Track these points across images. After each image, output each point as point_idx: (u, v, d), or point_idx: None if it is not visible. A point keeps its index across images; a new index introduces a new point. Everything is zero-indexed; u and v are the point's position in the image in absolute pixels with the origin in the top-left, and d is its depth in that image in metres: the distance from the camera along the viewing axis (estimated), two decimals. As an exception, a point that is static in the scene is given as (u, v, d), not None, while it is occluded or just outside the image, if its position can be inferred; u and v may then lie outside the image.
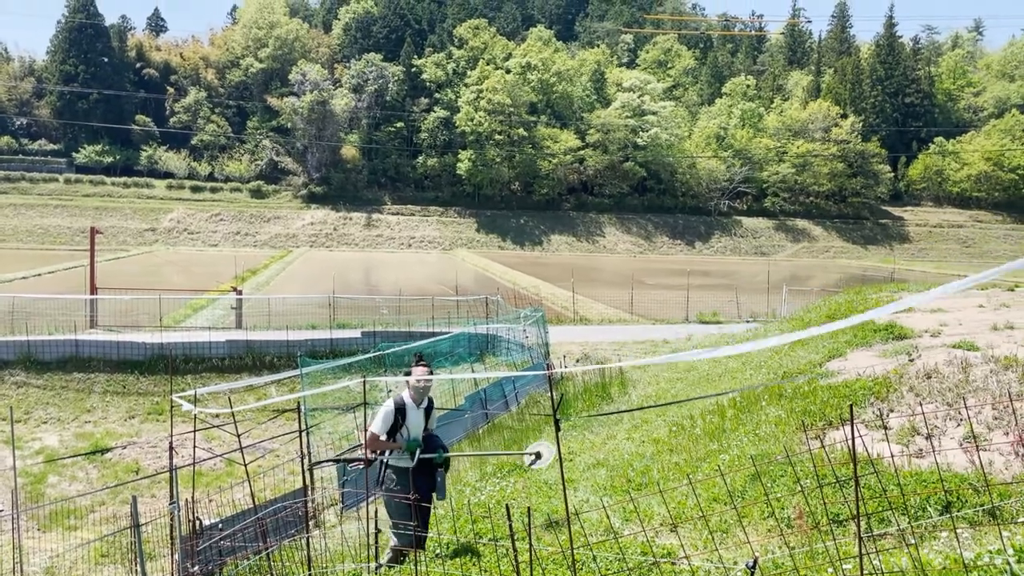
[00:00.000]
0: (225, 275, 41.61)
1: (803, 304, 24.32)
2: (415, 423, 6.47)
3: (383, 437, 6.37)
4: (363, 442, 6.67)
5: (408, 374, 6.63)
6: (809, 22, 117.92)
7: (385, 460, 6.43)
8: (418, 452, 6.38)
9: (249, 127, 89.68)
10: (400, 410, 6.42)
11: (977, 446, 5.97)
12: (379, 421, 6.42)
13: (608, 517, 6.51)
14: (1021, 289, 19.44)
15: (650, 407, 12.26)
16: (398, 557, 6.37)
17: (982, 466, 5.37)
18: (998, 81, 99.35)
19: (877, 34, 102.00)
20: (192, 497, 7.90)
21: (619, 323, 29.31)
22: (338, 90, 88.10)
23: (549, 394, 14.38)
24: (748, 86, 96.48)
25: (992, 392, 7.93)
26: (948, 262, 75.55)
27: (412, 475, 6.22)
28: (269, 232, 78.59)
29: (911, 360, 10.20)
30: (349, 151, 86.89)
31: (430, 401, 6.69)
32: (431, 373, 6.75)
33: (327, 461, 8.08)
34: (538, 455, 6.56)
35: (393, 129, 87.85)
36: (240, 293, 28.83)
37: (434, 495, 6.49)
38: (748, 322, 27.38)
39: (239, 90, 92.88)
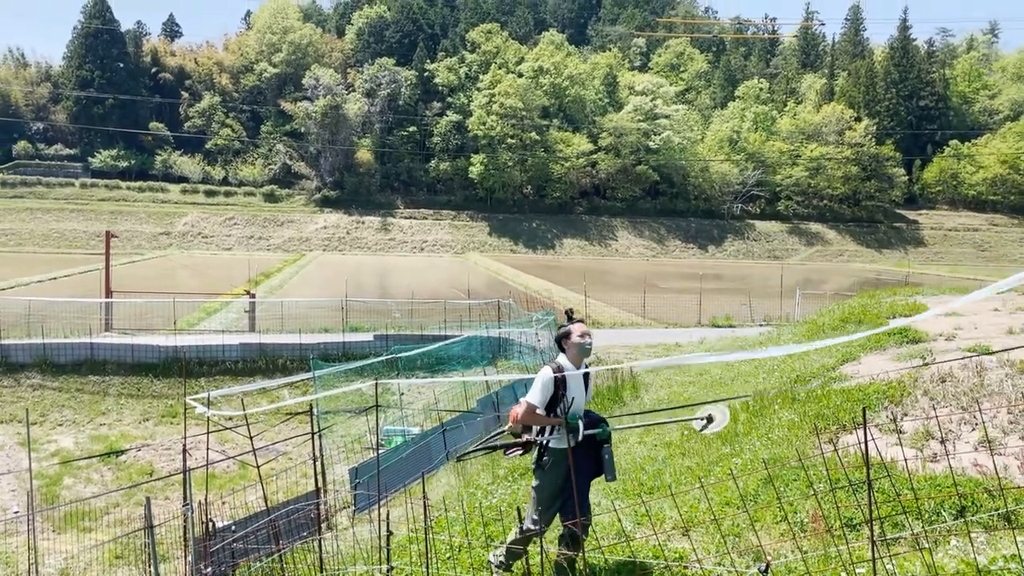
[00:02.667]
0: (239, 279, 41.83)
1: (817, 308, 24.20)
2: (577, 392, 5.48)
3: (540, 411, 5.39)
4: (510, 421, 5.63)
5: (565, 334, 5.54)
6: (823, 25, 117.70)
7: (545, 441, 5.44)
8: (581, 428, 5.42)
9: (263, 132, 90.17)
10: (560, 377, 5.42)
11: (991, 450, 5.93)
12: (537, 391, 5.42)
13: (620, 520, 6.50)
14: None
15: (663, 409, 12.22)
16: (519, 546, 5.50)
17: (996, 470, 5.33)
18: (1014, 84, 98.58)
19: (891, 37, 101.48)
20: (205, 499, 7.95)
21: (631, 326, 29.26)
22: (351, 95, 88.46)
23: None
24: (761, 89, 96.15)
25: (1007, 396, 7.87)
26: (963, 265, 74.95)
27: (573, 455, 5.29)
28: (282, 236, 78.94)
29: (925, 364, 10.13)
30: (362, 155, 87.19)
31: (586, 366, 5.70)
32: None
33: (478, 450, 6.44)
34: (710, 418, 5.76)
35: (406, 133, 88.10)
36: (253, 296, 28.98)
37: (603, 477, 5.54)
38: (761, 326, 27.27)
39: (253, 95, 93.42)
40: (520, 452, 5.57)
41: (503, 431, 5.64)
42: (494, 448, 6.09)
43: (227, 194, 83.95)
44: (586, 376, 5.61)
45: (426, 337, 21.90)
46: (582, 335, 5.47)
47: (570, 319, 5.57)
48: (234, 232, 78.75)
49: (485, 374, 17.63)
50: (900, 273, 60.82)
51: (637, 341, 24.66)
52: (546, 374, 5.39)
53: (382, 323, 25.80)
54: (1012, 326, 12.62)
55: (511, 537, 5.56)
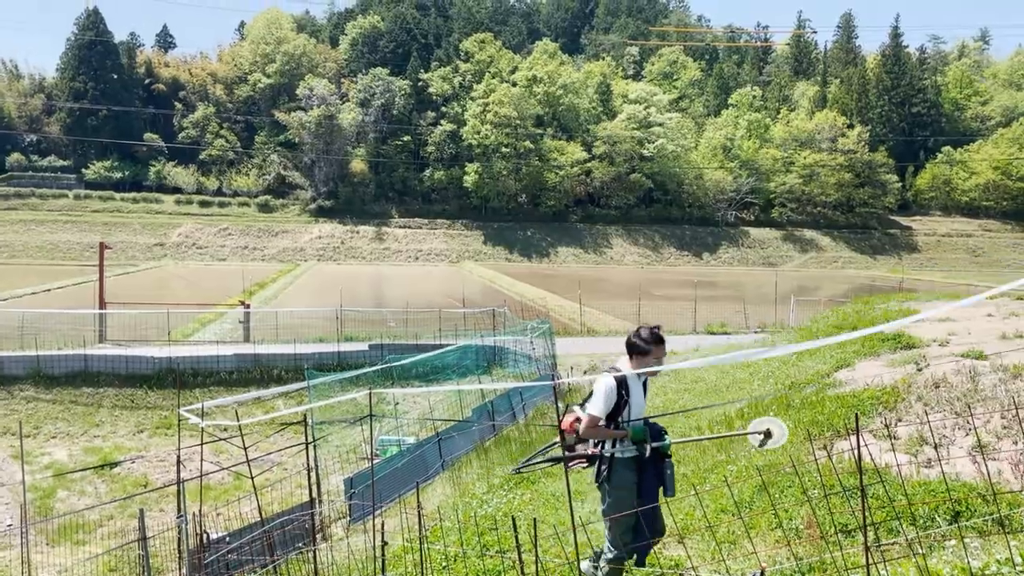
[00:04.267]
0: (233, 289, 41.77)
1: (811, 315, 24.25)
2: (637, 402, 5.16)
3: (602, 422, 5.05)
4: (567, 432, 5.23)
5: (645, 351, 5.16)
6: (815, 33, 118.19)
7: (609, 453, 5.08)
8: (648, 440, 5.05)
9: (257, 142, 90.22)
10: (622, 384, 5.10)
11: (984, 456, 5.95)
12: (600, 400, 5.05)
13: (615, 528, 6.48)
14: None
15: (658, 415, 12.22)
16: (617, 571, 5.14)
17: (989, 475, 5.35)
18: (1005, 90, 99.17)
19: (883, 44, 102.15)
20: (200, 510, 7.92)
21: (626, 334, 29.24)
22: (345, 104, 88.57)
23: (555, 406, 14.35)
24: (754, 97, 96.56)
25: (1001, 401, 7.89)
26: (957, 271, 75.21)
27: (638, 468, 5.02)
28: (277, 246, 78.87)
29: (919, 370, 10.16)
30: (356, 165, 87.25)
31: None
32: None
33: (538, 461, 5.89)
34: (768, 434, 5.27)
35: (400, 143, 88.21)
36: (248, 307, 28.94)
37: (661, 491, 5.16)
38: (756, 332, 27.30)
39: (247, 105, 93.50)
40: (584, 465, 5.20)
41: (555, 443, 5.34)
42: (556, 460, 5.54)
43: (221, 205, 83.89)
44: (644, 382, 5.34)
45: (421, 346, 21.88)
46: (659, 359, 5.22)
47: (659, 340, 5.25)
48: (228, 243, 78.67)
49: (480, 383, 17.62)
50: (894, 279, 61.00)
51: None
52: (608, 382, 5.09)
53: (377, 332, 25.78)
54: (1005, 331, 12.67)
55: (602, 572, 5.18)
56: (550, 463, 5.51)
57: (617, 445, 5.06)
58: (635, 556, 5.08)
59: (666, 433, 5.21)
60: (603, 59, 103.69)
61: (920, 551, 5.02)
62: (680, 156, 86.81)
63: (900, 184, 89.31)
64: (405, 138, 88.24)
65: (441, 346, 20.74)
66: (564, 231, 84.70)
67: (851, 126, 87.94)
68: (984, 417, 7.60)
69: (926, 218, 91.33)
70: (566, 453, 5.21)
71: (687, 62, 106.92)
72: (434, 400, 18.45)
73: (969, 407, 7.87)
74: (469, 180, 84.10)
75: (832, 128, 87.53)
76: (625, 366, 5.18)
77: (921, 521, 5.78)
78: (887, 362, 11.27)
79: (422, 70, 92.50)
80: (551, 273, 67.08)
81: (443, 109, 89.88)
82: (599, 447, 5.10)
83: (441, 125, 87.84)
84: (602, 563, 5.17)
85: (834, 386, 10.57)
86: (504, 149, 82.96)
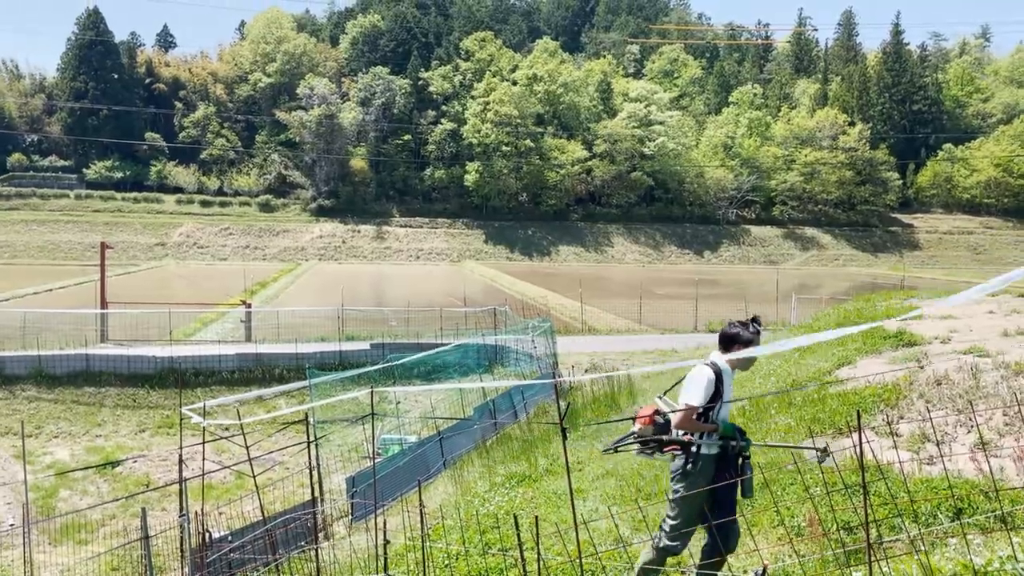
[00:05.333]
0: (235, 289, 41.80)
1: (812, 312, 24.24)
2: (728, 397, 5.03)
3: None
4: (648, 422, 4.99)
5: (747, 340, 5.04)
6: (815, 30, 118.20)
7: (696, 446, 4.91)
8: (737, 437, 4.95)
9: (258, 141, 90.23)
10: (719, 378, 4.94)
11: (986, 453, 5.94)
12: (701, 391, 4.87)
13: (617, 526, 6.50)
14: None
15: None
16: (655, 566, 5.09)
17: (992, 472, 5.35)
18: (1006, 87, 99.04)
19: (884, 41, 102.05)
20: (202, 509, 7.93)
21: (628, 333, 29.28)
22: (346, 104, 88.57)
23: (557, 404, 14.36)
24: (755, 95, 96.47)
25: (1003, 398, 7.88)
26: (958, 269, 75.14)
27: (717, 466, 4.93)
28: (278, 245, 78.90)
29: (921, 367, 10.15)
30: (357, 164, 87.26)
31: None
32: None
33: (630, 443, 5.31)
34: (825, 450, 5.18)
35: (401, 142, 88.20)
36: (250, 306, 28.95)
37: (738, 491, 5.03)
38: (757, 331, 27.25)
39: (247, 105, 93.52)
40: (678, 451, 4.95)
41: (633, 433, 5.11)
42: (652, 442, 5.12)
43: (222, 204, 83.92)
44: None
45: (423, 345, 21.88)
46: (753, 324, 5.12)
47: (756, 330, 5.14)
48: (229, 242, 78.71)
49: (482, 382, 17.64)
50: (896, 277, 60.95)
51: (634, 347, 24.65)
52: (706, 372, 4.93)
53: (378, 332, 25.78)
54: (1007, 328, 12.65)
55: (645, 558, 5.11)
56: (643, 448, 5.20)
57: (704, 439, 4.91)
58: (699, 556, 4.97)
59: (743, 433, 5.10)
60: (604, 57, 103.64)
61: (922, 548, 5.02)
62: (681, 154, 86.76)
63: (901, 182, 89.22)
64: (406, 137, 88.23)
65: (443, 345, 20.76)
66: (565, 230, 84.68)
67: (852, 124, 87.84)
68: (986, 414, 7.59)
69: (927, 216, 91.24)
70: (643, 447, 5.01)
71: (688, 60, 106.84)
72: (436, 399, 18.47)
73: (971, 404, 7.87)
74: (470, 179, 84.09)
75: (833, 126, 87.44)
76: (721, 360, 5.01)
77: (923, 518, 5.78)
78: (889, 360, 11.26)
79: (422, 69, 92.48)
80: (552, 272, 67.07)
81: (444, 108, 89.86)
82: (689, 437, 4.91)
83: (442, 124, 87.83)
84: (650, 549, 5.08)
85: (836, 383, 10.56)
86: (505, 148, 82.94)
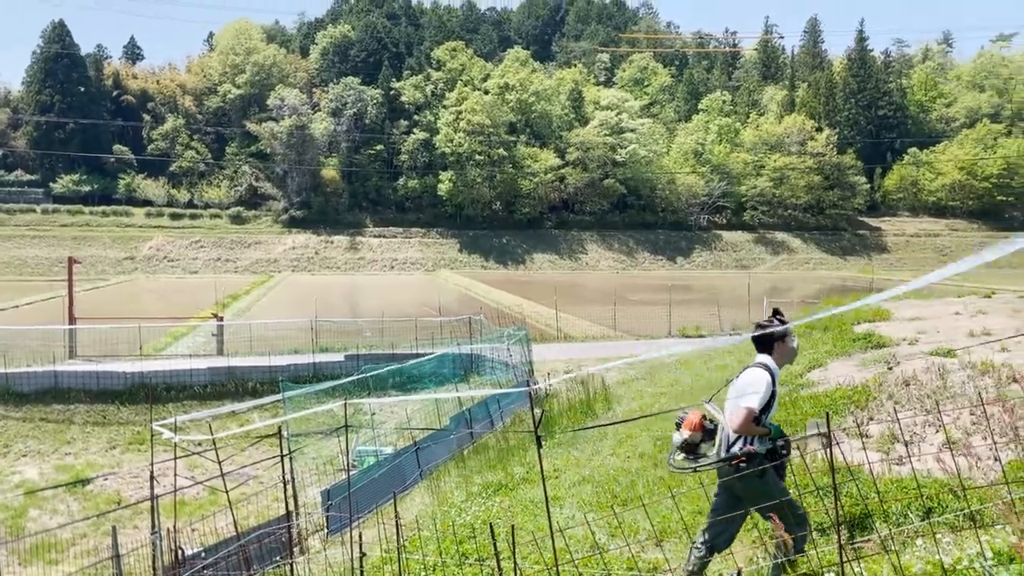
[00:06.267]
0: (206, 302, 41.36)
1: (785, 315, 24.46)
2: (776, 398, 4.98)
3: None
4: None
5: (782, 336, 5.02)
6: (782, 38, 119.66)
7: (757, 450, 4.84)
8: (786, 438, 4.96)
9: (228, 153, 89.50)
10: (774, 379, 4.91)
11: (952, 452, 6.04)
12: (760, 394, 4.82)
13: (593, 533, 6.51)
14: (997, 296, 19.70)
15: (635, 418, 12.28)
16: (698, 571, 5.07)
17: (959, 471, 5.44)
18: (969, 92, 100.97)
19: (848, 48, 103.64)
20: (174, 526, 7.82)
21: (603, 339, 29.38)
22: (317, 114, 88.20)
23: (531, 412, 14.36)
24: (724, 102, 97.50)
25: (969, 398, 8.02)
26: (926, 271, 76.15)
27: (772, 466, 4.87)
28: (250, 258, 78.23)
29: (890, 368, 10.30)
30: (329, 175, 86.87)
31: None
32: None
33: (713, 463, 5.04)
34: (828, 434, 5.28)
35: (373, 152, 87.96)
36: (221, 320, 28.67)
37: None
38: (730, 335, 27.50)
39: (217, 116, 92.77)
40: (744, 463, 4.85)
41: (692, 443, 5.02)
42: (726, 460, 4.98)
43: (192, 217, 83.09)
44: None
45: (397, 356, 21.80)
46: (793, 345, 5.09)
47: (781, 320, 5.11)
48: (200, 255, 77.90)
49: (457, 391, 17.61)
50: (864, 279, 61.78)
51: (608, 354, 24.74)
52: (763, 375, 4.89)
53: (353, 343, 25.64)
54: (973, 329, 12.88)
55: (694, 563, 5.07)
56: (730, 461, 5.04)
57: (757, 442, 4.86)
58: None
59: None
60: (574, 66, 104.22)
61: (893, 548, 5.09)
62: (652, 161, 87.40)
63: (868, 185, 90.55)
64: (378, 147, 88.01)
65: (418, 355, 20.68)
66: (539, 238, 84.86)
67: (819, 129, 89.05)
68: (953, 414, 7.71)
69: (894, 219, 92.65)
70: (688, 454, 5.02)
71: (657, 68, 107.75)
72: (411, 409, 18.39)
73: (938, 404, 8.00)
74: (443, 188, 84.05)
75: (801, 131, 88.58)
76: (772, 364, 4.98)
77: (894, 518, 5.85)
78: (859, 362, 11.41)
79: (394, 79, 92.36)
80: (527, 280, 67.15)
81: (416, 117, 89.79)
82: (744, 444, 4.84)
83: (414, 134, 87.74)
84: (696, 558, 5.06)
85: (807, 386, 10.68)
86: (478, 157, 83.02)
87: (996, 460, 6.64)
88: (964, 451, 7.16)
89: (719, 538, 5.05)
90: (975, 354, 10.06)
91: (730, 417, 4.86)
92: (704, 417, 5.03)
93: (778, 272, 79.50)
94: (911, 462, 6.48)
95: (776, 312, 5.24)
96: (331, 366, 22.25)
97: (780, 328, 5.01)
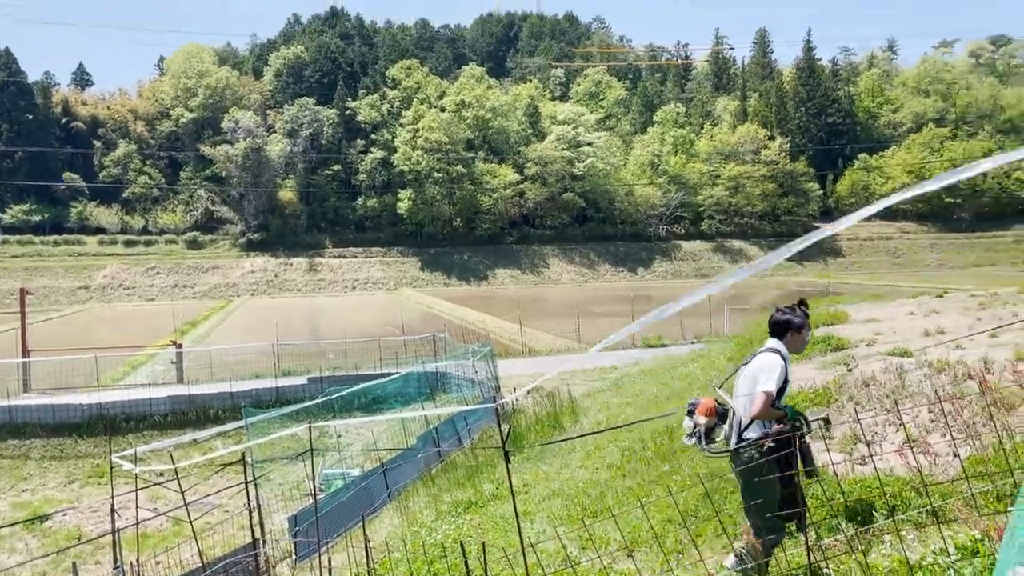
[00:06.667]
0: (164, 329, 40.63)
1: (745, 322, 24.81)
2: (791, 382, 5.17)
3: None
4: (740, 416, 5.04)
5: (799, 326, 5.15)
6: (732, 49, 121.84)
7: (770, 433, 4.92)
8: (800, 419, 5.08)
9: (182, 177, 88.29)
10: (786, 363, 5.02)
11: (912, 449, 6.15)
12: (775, 377, 4.89)
13: (564, 547, 6.50)
14: (950, 295, 20.16)
15: (601, 431, 12.31)
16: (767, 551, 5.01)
17: (920, 469, 5.54)
18: (914, 97, 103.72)
19: (797, 58, 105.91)
20: (137, 560, 7.63)
21: (567, 352, 29.45)
22: (272, 136, 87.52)
23: (499, 428, 14.32)
24: (678, 113, 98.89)
25: (927, 396, 8.18)
26: (880, 273, 77.94)
27: (783, 448, 4.94)
28: (208, 283, 77.09)
29: (849, 370, 10.47)
30: (287, 196, 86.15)
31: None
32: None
33: (723, 451, 5.20)
34: (827, 419, 5.68)
35: (331, 172, 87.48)
36: (180, 347, 28.17)
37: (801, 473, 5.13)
38: (693, 343, 27.77)
39: (170, 141, 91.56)
40: (772, 444, 4.92)
41: (699, 426, 5.10)
42: (739, 449, 5.05)
43: (148, 243, 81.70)
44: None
45: (362, 376, 21.59)
46: (806, 337, 5.22)
47: (805, 314, 5.22)
48: (157, 282, 76.57)
49: (424, 410, 17.50)
50: (821, 284, 62.90)
51: (573, 367, 24.80)
52: (777, 359, 4.97)
53: (316, 365, 25.34)
54: (928, 328, 13.16)
55: (752, 561, 4.98)
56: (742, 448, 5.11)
57: (771, 425, 4.94)
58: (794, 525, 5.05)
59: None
60: (530, 81, 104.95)
61: (860, 548, 5.16)
62: (610, 174, 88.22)
63: (821, 191, 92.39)
64: (335, 167, 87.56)
65: (382, 375, 20.51)
66: (500, 253, 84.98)
67: (772, 138, 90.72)
68: (912, 412, 7.86)
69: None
70: (703, 436, 5.10)
71: (612, 82, 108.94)
72: (378, 431, 18.21)
73: (897, 403, 8.14)
74: (403, 207, 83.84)
75: (754, 140, 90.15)
76: (783, 348, 5.07)
77: (859, 517, 5.93)
78: (818, 364, 11.58)
79: (349, 98, 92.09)
80: (490, 295, 67.12)
81: (372, 137, 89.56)
82: (766, 428, 4.91)
83: (371, 153, 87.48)
84: (743, 556, 5.00)
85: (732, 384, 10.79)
86: (436, 174, 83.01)
87: (955, 456, 6.78)
88: (924, 448, 7.29)
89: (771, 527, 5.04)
90: (931, 353, 10.28)
91: (749, 404, 4.93)
92: (717, 401, 5.13)
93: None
94: (873, 461, 6.58)
95: (802, 302, 5.33)
96: (294, 390, 21.97)
97: (798, 320, 5.11)
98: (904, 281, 61.35)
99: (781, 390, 4.95)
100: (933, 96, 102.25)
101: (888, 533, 5.42)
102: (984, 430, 6.81)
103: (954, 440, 6.69)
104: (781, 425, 4.91)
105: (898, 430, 7.61)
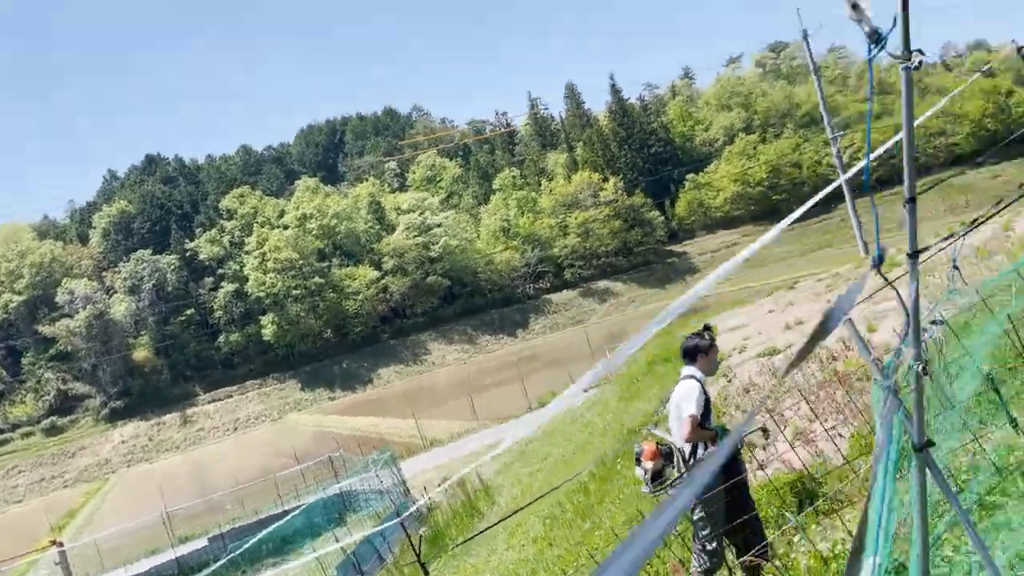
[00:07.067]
0: (40, 530, 37.20)
1: (626, 358, 25.38)
2: (710, 405, 5.46)
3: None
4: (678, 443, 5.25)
5: (707, 348, 5.43)
6: (547, 108, 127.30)
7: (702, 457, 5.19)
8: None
9: (25, 364, 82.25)
10: (703, 386, 5.33)
11: (803, 443, 6.43)
12: (694, 401, 5.15)
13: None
14: (800, 284, 21.47)
15: (522, 507, 12.16)
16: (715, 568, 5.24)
17: (813, 459, 5.78)
18: (720, 113, 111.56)
19: (607, 102, 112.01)
20: None
21: (467, 434, 29.15)
22: (114, 297, 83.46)
23: (419, 533, 13.86)
24: (514, 176, 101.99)
25: (800, 388, 8.60)
26: (736, 278, 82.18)
27: (726, 462, 5.07)
28: (78, 466, 71.51)
29: (729, 381, 10.89)
30: (142, 355, 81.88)
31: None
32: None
33: (665, 485, 5.36)
34: (766, 430, 6.18)
35: (184, 318, 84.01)
36: (61, 545, 25.83)
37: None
38: (584, 392, 28.12)
39: (3, 329, 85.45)
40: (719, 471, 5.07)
41: (647, 472, 5.27)
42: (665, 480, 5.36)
43: (2, 443, 75.17)
44: None
45: (264, 520, 20.47)
46: (715, 357, 5.51)
47: (711, 337, 5.52)
48: (20, 481, 70.30)
49: (336, 538, 16.70)
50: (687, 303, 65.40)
51: (477, 447, 24.54)
52: (693, 384, 5.25)
53: (213, 522, 23.85)
54: (788, 321, 13.93)
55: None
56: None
57: (707, 448, 5.17)
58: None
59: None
60: (366, 180, 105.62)
61: (778, 552, 5.29)
62: (466, 248, 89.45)
63: (663, 217, 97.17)
64: (188, 312, 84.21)
65: (285, 513, 19.50)
66: (379, 352, 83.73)
67: (605, 179, 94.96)
68: (794, 407, 8.24)
69: (694, 240, 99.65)
70: (651, 480, 5.27)
71: (445, 163, 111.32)
72: (294, 575, 17.23)
73: (778, 402, 8.51)
74: (268, 332, 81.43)
75: (590, 185, 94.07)
76: (699, 373, 5.36)
77: (774, 521, 6.10)
78: (701, 383, 11.98)
79: (187, 240, 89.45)
80: (377, 397, 65.78)
81: (220, 271, 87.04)
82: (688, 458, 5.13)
83: (222, 288, 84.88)
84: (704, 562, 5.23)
85: (664, 420, 11.05)
86: (295, 292, 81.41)
87: (840, 437, 7.13)
88: (813, 436, 7.63)
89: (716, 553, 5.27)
90: (796, 345, 10.87)
91: (678, 432, 5.17)
92: (658, 444, 5.31)
93: (610, 318, 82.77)
94: (771, 463, 6.82)
95: (706, 327, 5.64)
96: (196, 555, 20.53)
97: (705, 343, 5.46)
98: (757, 280, 64.99)
99: (707, 412, 5.21)
100: (736, 108, 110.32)
101: (801, 528, 5.59)
102: (859, 407, 7.21)
103: (833, 427, 7.03)
104: (714, 445, 5.16)
105: (786, 427, 7.94)
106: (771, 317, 15.84)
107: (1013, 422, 4.83)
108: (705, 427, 5.20)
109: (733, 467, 5.25)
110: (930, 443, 2.71)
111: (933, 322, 3.90)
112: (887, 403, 2.67)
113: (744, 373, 10.63)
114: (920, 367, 2.54)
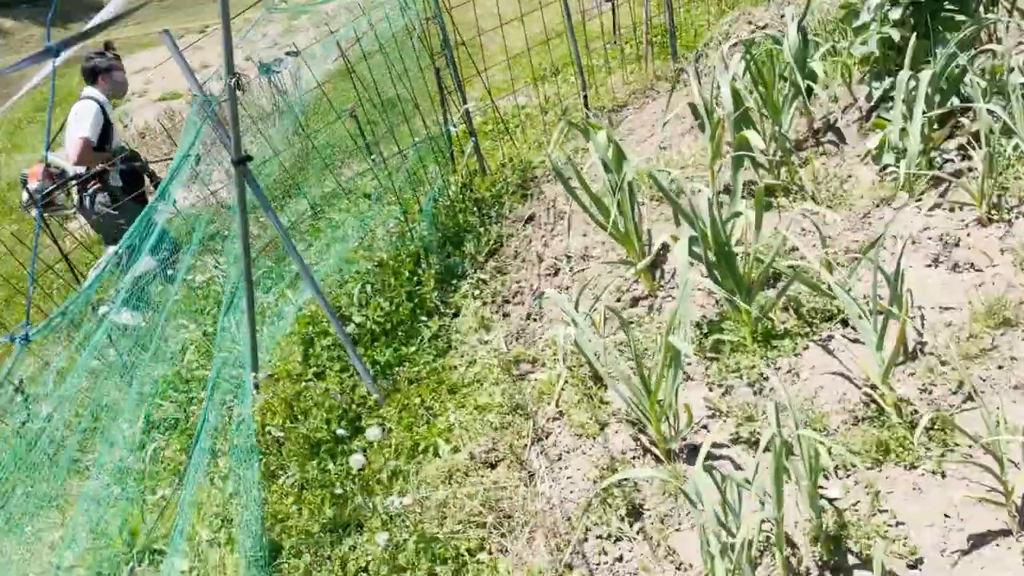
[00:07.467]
0: None
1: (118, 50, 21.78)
2: (116, 128, 5.23)
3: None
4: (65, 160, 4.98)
5: (108, 68, 5.12)
6: None
7: (109, 182, 5.05)
8: (138, 156, 5.30)
9: None
10: (103, 108, 5.00)
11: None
12: (89, 122, 4.85)
13: None
14: (210, 29, 20.55)
15: None
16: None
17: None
18: None
19: None
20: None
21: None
22: None
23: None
24: None
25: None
26: (148, 22, 75.32)
27: (124, 193, 5.02)
28: None
29: (125, 127, 10.19)
30: None
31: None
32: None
33: (69, 209, 5.18)
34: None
35: None
36: None
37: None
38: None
39: None
40: (99, 187, 4.99)
41: (35, 192, 4.89)
42: (53, 200, 5.09)
43: None
44: None
45: None
46: (124, 78, 5.30)
47: (115, 55, 5.22)
48: None
49: None
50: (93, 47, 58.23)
51: None
52: (89, 104, 4.93)
53: None
54: (195, 64, 13.38)
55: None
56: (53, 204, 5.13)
57: (110, 174, 5.01)
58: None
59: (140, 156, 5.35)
60: None
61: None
62: None
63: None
64: None
65: None
66: None
67: None
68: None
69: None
70: (48, 208, 5.05)
71: None
72: None
73: (175, 142, 8.30)
74: None
75: None
76: (101, 96, 5.06)
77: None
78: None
79: None
80: None
81: None
82: (90, 181, 4.96)
83: None
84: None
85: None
86: None
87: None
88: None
89: None
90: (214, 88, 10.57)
91: (69, 153, 4.91)
92: (48, 166, 5.08)
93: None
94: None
95: (107, 45, 5.34)
96: None
97: (104, 63, 5.14)
98: (173, 24, 60.60)
99: (107, 134, 4.99)
100: None
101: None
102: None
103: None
104: (112, 167, 5.02)
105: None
106: (173, 64, 15.07)
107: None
108: (108, 150, 5.03)
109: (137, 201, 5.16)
110: (248, 158, 2.93)
111: (288, 53, 4.10)
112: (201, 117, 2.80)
113: (140, 118, 10.07)
114: (233, 81, 2.66)
